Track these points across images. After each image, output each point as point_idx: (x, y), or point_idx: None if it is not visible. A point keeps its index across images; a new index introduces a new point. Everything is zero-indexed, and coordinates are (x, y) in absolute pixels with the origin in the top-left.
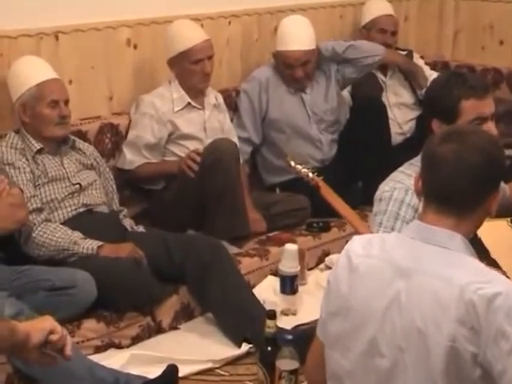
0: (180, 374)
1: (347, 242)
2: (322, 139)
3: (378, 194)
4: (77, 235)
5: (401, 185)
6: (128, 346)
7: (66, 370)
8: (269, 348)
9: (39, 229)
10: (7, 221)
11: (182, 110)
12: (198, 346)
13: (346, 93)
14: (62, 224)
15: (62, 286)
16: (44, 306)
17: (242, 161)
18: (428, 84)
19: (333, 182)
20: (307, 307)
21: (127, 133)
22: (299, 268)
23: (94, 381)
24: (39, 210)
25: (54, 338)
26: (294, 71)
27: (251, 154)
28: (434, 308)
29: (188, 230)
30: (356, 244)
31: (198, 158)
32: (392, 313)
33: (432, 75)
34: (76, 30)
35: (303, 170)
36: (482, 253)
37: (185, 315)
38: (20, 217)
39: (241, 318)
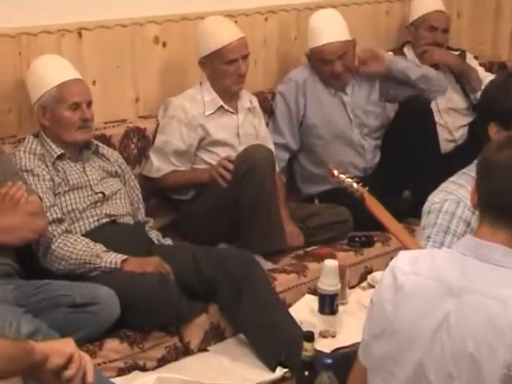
0: None
1: (392, 258)
2: (365, 145)
3: (426, 205)
4: (99, 248)
5: (452, 196)
6: (153, 369)
7: None
8: (306, 373)
9: (59, 240)
10: (25, 230)
11: (213, 113)
12: (229, 369)
13: None
14: (83, 236)
15: (83, 303)
16: (63, 325)
17: (278, 169)
18: (483, 87)
19: (376, 193)
20: (348, 329)
21: (154, 138)
22: (339, 286)
23: None
24: (59, 221)
25: (69, 373)
26: (333, 66)
27: (288, 161)
28: (488, 332)
29: (219, 244)
30: (402, 260)
31: (231, 166)
32: (441, 336)
33: (487, 77)
34: (100, 27)
35: (347, 180)
36: None
37: (215, 336)
38: (39, 226)
39: (275, 339)
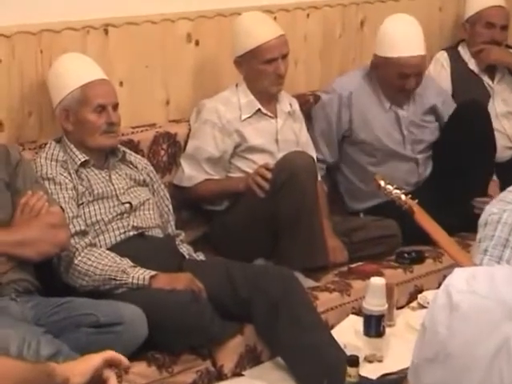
0: None
1: (445, 276)
2: (419, 160)
3: (483, 217)
4: (126, 263)
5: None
6: None
7: None
8: None
9: (82, 254)
10: (46, 243)
11: (250, 117)
12: None
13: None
14: (108, 249)
15: (108, 323)
16: (86, 346)
17: (319, 178)
18: None
19: (427, 206)
20: (396, 353)
21: (186, 144)
22: (387, 306)
23: None
24: (83, 233)
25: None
26: (408, 81)
27: (331, 172)
28: None
29: (256, 259)
30: (457, 278)
31: (269, 175)
32: (500, 362)
33: None
34: (128, 23)
35: (395, 192)
36: None
37: (250, 359)
38: (61, 239)
39: (317, 364)
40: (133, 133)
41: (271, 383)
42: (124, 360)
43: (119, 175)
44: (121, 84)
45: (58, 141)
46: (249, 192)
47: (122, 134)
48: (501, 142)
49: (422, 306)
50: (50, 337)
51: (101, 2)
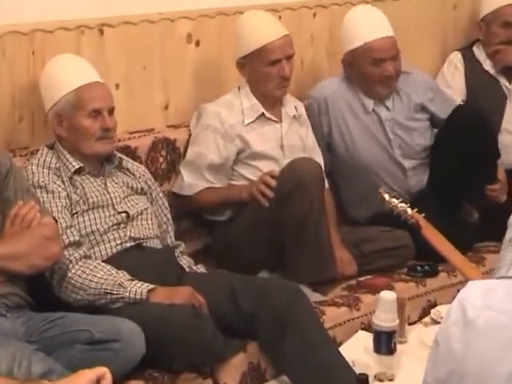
0: None
1: (459, 290)
2: (408, 167)
3: None
4: (122, 276)
5: None
6: None
7: None
8: None
9: (76, 267)
10: (37, 256)
11: (253, 122)
12: None
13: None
14: (104, 262)
15: (103, 339)
16: (80, 364)
17: (327, 186)
18: None
19: (432, 218)
20: (407, 371)
21: (186, 150)
22: (398, 322)
23: None
24: (77, 245)
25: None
26: (385, 67)
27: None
28: None
29: (260, 272)
30: (472, 292)
31: (274, 183)
32: None
33: None
34: (125, 23)
35: (400, 206)
36: None
37: (254, 378)
38: (53, 252)
39: (324, 383)
40: (130, 138)
41: None
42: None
43: (115, 183)
44: (117, 87)
45: (51, 147)
46: (252, 201)
47: (119, 140)
48: None
49: (435, 322)
50: (42, 354)
51: (96, 1)
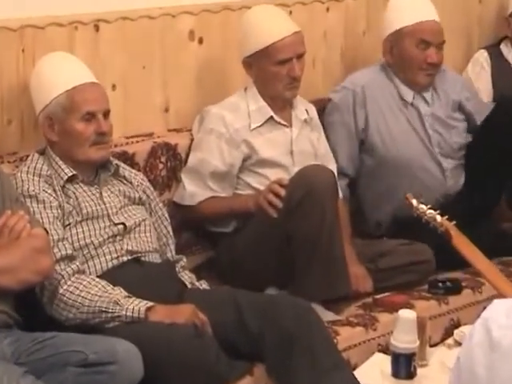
0: None
1: (485, 308)
2: (447, 166)
3: None
4: (119, 293)
5: None
6: None
7: None
8: None
9: (69, 283)
10: (27, 270)
11: (261, 126)
12: None
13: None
14: (99, 277)
15: (98, 362)
16: None
17: (341, 196)
18: None
19: (463, 226)
20: None
21: (188, 156)
22: (418, 343)
23: None
24: (69, 258)
25: None
26: (430, 53)
27: (351, 187)
28: None
29: (267, 289)
30: (497, 310)
31: (283, 192)
32: None
33: None
34: (122, 18)
35: (429, 212)
36: None
37: None
38: (43, 265)
39: None
40: (127, 144)
41: None
42: None
43: (111, 192)
44: (113, 88)
45: (42, 153)
46: (259, 212)
47: (115, 146)
48: None
49: (458, 344)
50: (31, 378)
51: None
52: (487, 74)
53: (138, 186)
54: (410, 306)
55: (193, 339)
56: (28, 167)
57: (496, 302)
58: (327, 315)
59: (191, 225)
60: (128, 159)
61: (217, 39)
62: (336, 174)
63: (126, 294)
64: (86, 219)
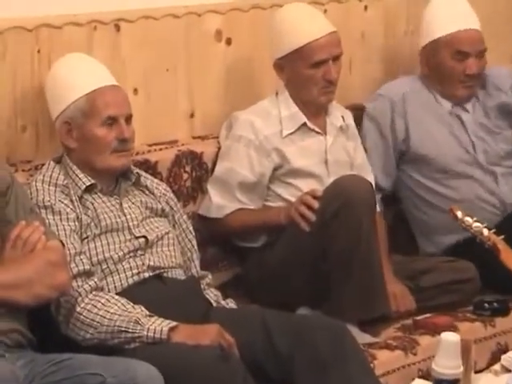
0: None
1: None
2: (498, 173)
3: None
4: (140, 311)
5: None
6: None
7: None
8: None
9: (86, 301)
10: (42, 285)
11: (293, 134)
12: None
13: None
14: (118, 294)
15: None
16: None
17: (378, 209)
18: None
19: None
20: None
21: (214, 166)
22: (462, 369)
23: None
24: (87, 274)
25: None
26: (467, 64)
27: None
28: None
29: (299, 308)
30: None
31: (316, 204)
32: None
33: None
34: (145, 18)
35: (475, 225)
36: None
37: None
38: (60, 280)
39: None
40: (149, 151)
41: None
42: None
43: (132, 203)
44: (135, 92)
45: (58, 161)
46: (291, 225)
47: (136, 153)
48: None
49: (506, 370)
50: None
51: None
52: None
53: (160, 196)
54: (454, 329)
55: (218, 362)
56: (43, 176)
57: None
58: (363, 337)
59: (218, 239)
60: (150, 168)
61: (246, 40)
62: (374, 185)
63: (148, 312)
64: (104, 232)
